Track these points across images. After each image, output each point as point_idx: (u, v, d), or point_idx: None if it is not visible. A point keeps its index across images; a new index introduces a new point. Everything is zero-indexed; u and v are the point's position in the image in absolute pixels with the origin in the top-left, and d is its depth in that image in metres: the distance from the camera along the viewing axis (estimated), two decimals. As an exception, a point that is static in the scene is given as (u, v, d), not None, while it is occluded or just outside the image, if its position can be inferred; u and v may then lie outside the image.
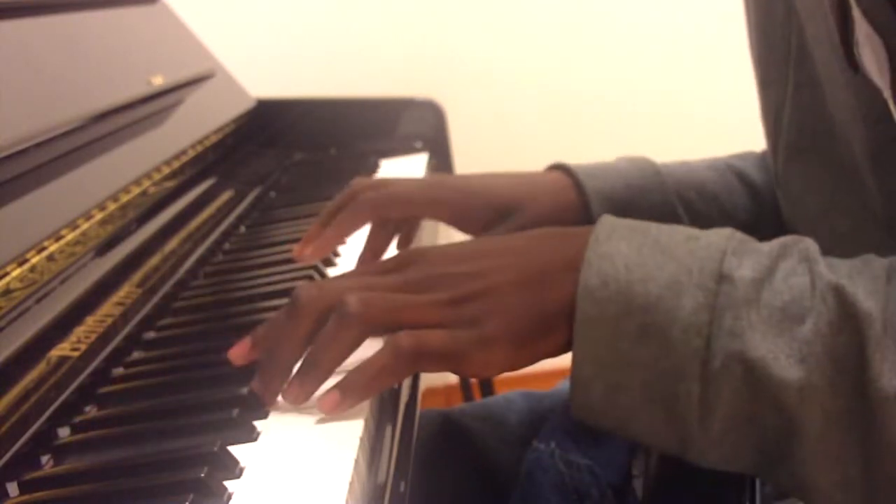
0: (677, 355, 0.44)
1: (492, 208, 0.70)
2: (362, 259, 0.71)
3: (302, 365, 0.50)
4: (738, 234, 0.48)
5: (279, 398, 0.51)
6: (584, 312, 0.46)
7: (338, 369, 0.50)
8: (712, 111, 1.72)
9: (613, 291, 0.46)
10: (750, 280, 0.45)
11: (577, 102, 1.79)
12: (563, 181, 0.73)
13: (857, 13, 0.47)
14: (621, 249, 0.47)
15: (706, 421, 0.45)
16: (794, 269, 0.46)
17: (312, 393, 0.49)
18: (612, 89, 1.79)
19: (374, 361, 0.48)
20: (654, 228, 0.49)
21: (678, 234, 0.48)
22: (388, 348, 0.48)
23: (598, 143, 1.81)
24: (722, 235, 0.47)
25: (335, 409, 0.48)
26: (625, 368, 0.46)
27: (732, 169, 0.78)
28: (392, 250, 0.73)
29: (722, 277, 0.45)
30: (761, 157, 0.81)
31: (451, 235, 0.73)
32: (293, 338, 0.50)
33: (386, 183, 0.71)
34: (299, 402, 0.49)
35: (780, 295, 0.45)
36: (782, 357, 0.44)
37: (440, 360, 0.48)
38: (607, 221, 0.49)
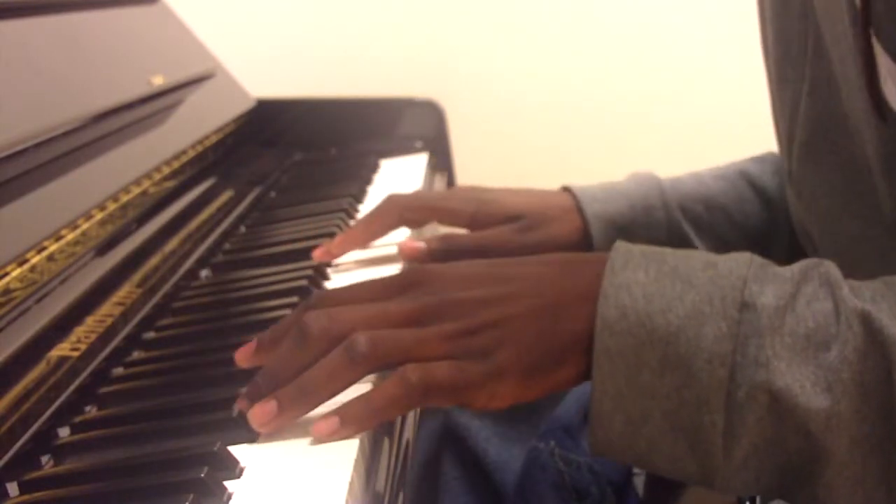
0: (701, 386, 0.44)
1: (505, 220, 0.74)
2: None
3: (292, 389, 0.47)
4: (757, 259, 0.47)
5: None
6: (602, 345, 0.45)
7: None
8: (715, 113, 1.72)
9: (633, 323, 0.45)
10: (773, 307, 0.44)
11: (578, 103, 1.79)
12: (568, 203, 0.76)
13: (878, 49, 0.47)
14: (639, 279, 0.46)
15: (730, 450, 0.44)
16: (816, 293, 0.45)
17: (292, 420, 0.48)
18: (612, 90, 1.79)
19: (381, 393, 0.47)
20: (670, 255, 0.48)
21: (695, 261, 0.47)
22: (395, 381, 0.46)
23: (597, 144, 1.81)
24: (741, 262, 0.46)
25: (331, 437, 0.46)
26: (646, 400, 0.45)
27: (745, 176, 0.78)
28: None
29: (744, 306, 0.44)
30: (780, 160, 0.79)
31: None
32: (298, 368, 0.48)
33: (416, 193, 0.78)
34: (276, 428, 0.47)
35: (805, 322, 0.44)
36: (808, 385, 0.43)
37: (448, 394, 0.46)
38: (622, 249, 0.48)
